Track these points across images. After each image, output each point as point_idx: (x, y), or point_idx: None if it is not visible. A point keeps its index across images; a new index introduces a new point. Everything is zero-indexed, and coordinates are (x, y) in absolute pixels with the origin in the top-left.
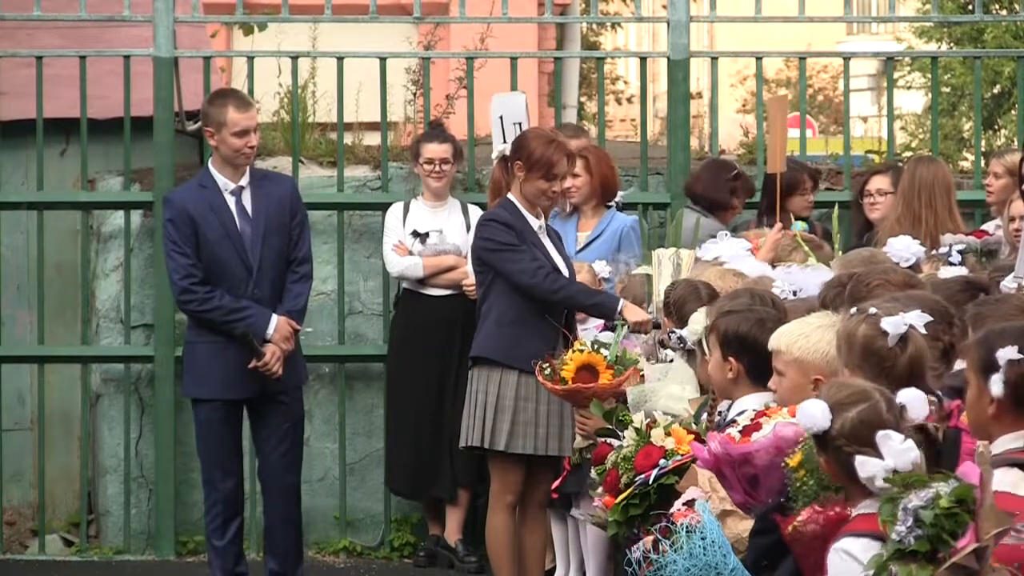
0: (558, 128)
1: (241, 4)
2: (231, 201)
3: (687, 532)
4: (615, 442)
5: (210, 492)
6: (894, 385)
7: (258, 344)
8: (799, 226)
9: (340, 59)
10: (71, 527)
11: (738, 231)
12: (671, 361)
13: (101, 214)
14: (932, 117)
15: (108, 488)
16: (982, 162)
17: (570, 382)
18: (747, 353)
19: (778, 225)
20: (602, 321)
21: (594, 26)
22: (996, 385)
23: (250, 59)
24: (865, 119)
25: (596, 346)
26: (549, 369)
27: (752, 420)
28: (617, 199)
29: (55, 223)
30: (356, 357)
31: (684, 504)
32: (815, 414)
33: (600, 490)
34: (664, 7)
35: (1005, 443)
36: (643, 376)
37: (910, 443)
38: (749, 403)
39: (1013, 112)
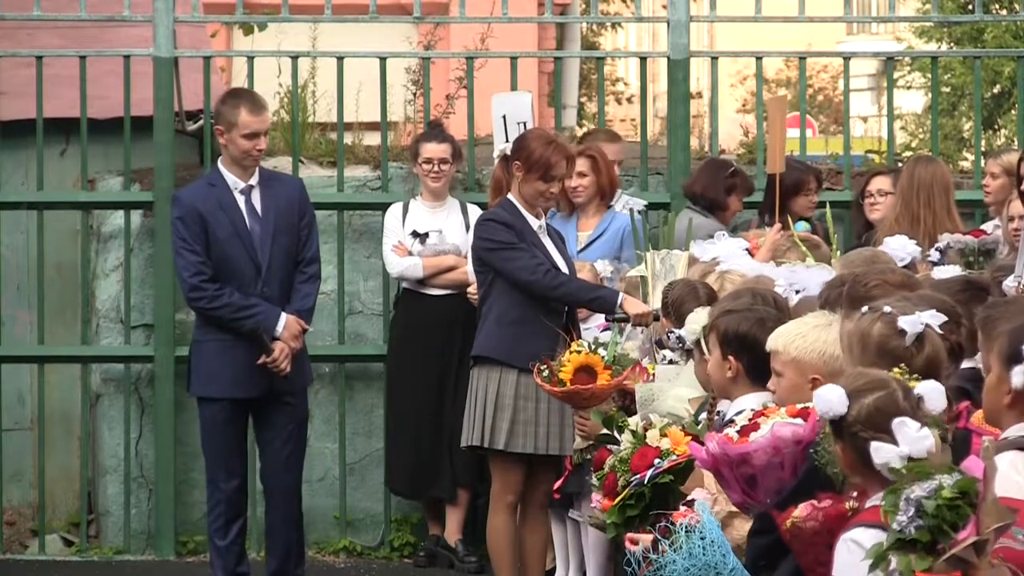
0: (595, 132)
1: (241, 4)
2: (240, 200)
3: (686, 532)
4: (614, 447)
5: (213, 492)
6: None
7: (267, 340)
8: (801, 226)
9: (340, 59)
10: (71, 527)
11: (738, 231)
12: (669, 362)
13: (101, 214)
14: (932, 117)
15: (108, 488)
16: (982, 162)
17: (568, 383)
18: (747, 353)
19: (777, 225)
20: (603, 321)
21: (594, 26)
22: (1017, 376)
23: (250, 59)
24: (865, 119)
25: (594, 346)
26: (547, 371)
27: (750, 420)
28: (635, 206)
29: (55, 223)
30: (356, 357)
31: (684, 504)
32: (832, 399)
33: (598, 485)
34: (664, 7)
35: (1016, 431)
36: (653, 375)
37: (926, 431)
38: (748, 403)
39: (1013, 112)
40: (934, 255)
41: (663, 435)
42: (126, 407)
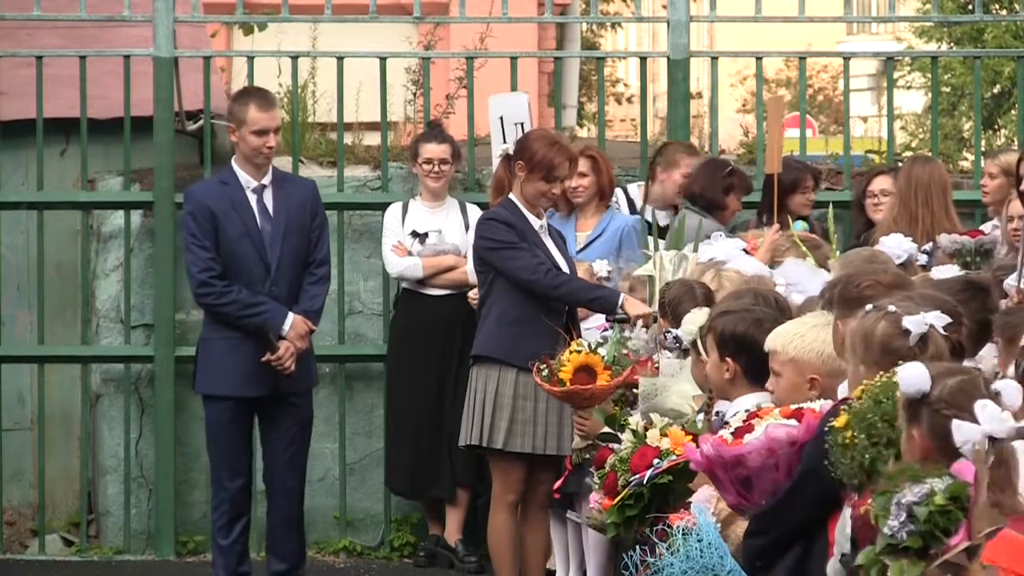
0: (674, 144)
1: (241, 4)
2: (252, 199)
3: (683, 535)
4: (615, 446)
5: (217, 491)
6: None
7: (273, 338)
8: (799, 225)
9: (340, 59)
10: (71, 527)
11: (737, 231)
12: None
13: (101, 214)
14: (932, 117)
15: (108, 488)
16: (982, 162)
17: (568, 383)
18: (744, 353)
19: (775, 226)
20: (604, 321)
21: (594, 26)
22: None
23: (250, 59)
24: (865, 119)
25: (594, 346)
26: (547, 370)
27: (744, 422)
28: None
29: (55, 223)
30: (356, 357)
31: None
32: (917, 374)
33: (599, 484)
34: (664, 7)
35: None
36: (657, 368)
37: (1007, 414)
38: (747, 403)
39: (1013, 112)
40: (922, 258)
41: (663, 435)
42: (126, 407)
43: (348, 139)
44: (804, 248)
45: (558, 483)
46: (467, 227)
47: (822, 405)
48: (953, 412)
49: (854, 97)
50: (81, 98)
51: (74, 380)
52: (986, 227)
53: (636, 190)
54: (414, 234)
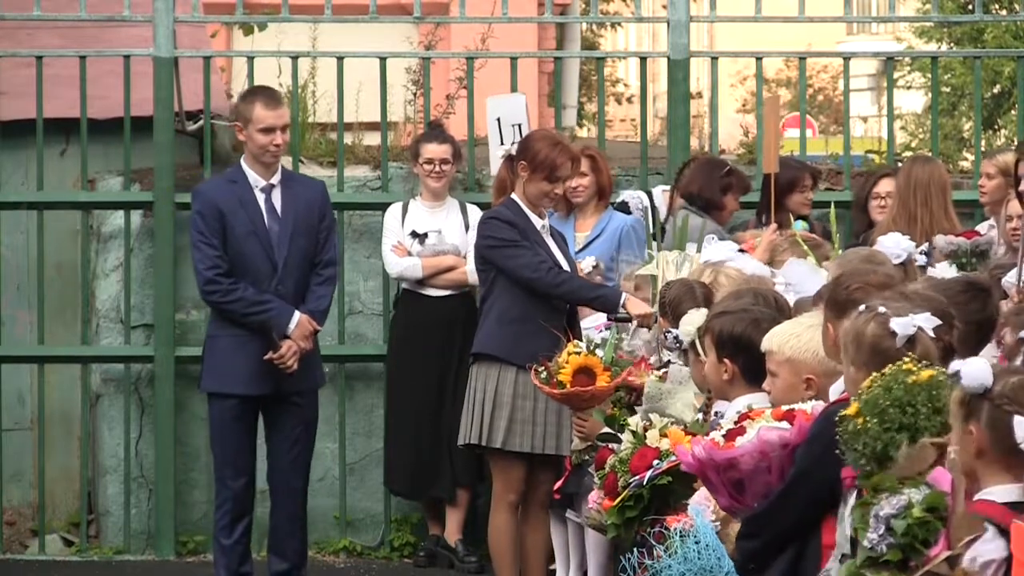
0: (705, 155)
1: (241, 4)
2: (261, 198)
3: (681, 536)
4: (615, 446)
5: (221, 490)
6: None
7: (276, 337)
8: (799, 225)
9: (340, 59)
10: (71, 527)
11: (736, 231)
12: (669, 362)
13: (101, 214)
14: (932, 117)
15: (108, 488)
16: (982, 162)
17: (568, 385)
18: (742, 354)
19: (773, 226)
20: (602, 321)
21: (594, 26)
22: None
23: (250, 59)
24: (865, 119)
25: (592, 346)
26: (545, 372)
27: (736, 423)
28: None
29: (55, 223)
30: (356, 357)
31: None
32: (982, 368)
33: (600, 492)
34: (664, 7)
35: None
36: (665, 373)
37: None
38: (745, 404)
39: (1013, 112)
40: (920, 258)
41: (663, 435)
42: (126, 407)
43: (348, 139)
44: (806, 247)
45: (558, 483)
46: (467, 227)
47: (813, 407)
48: (1015, 408)
49: (854, 97)
50: (81, 98)
51: (74, 380)
52: (982, 227)
53: (660, 194)
54: (414, 234)
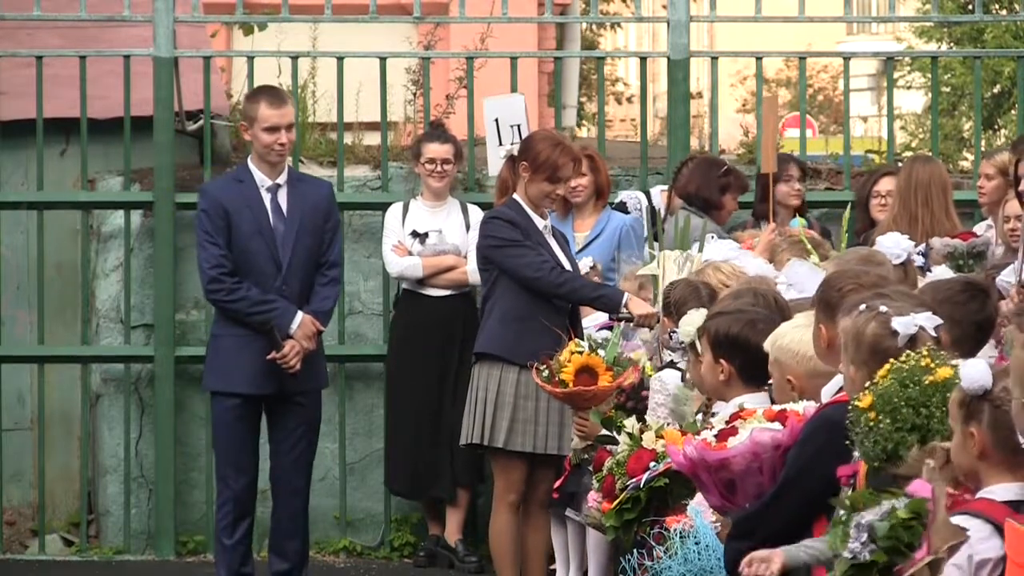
0: (703, 154)
1: (241, 4)
2: (267, 198)
3: (681, 537)
4: (614, 448)
5: (222, 490)
6: None
7: (279, 336)
8: (796, 222)
9: (340, 59)
10: (71, 527)
11: (734, 231)
12: (671, 362)
13: (101, 214)
14: (932, 117)
15: (108, 488)
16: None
17: (571, 385)
18: (738, 354)
19: (771, 225)
20: (600, 321)
21: (594, 26)
22: None
23: (250, 59)
24: (865, 119)
25: (594, 345)
26: (547, 371)
27: (727, 424)
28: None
29: (55, 223)
30: (356, 357)
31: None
32: (981, 369)
33: (597, 487)
34: (664, 7)
35: None
36: (651, 374)
37: None
38: (737, 404)
39: (1013, 112)
40: (918, 259)
41: (659, 437)
42: (126, 407)
43: (348, 139)
44: (809, 246)
45: (558, 483)
46: (468, 227)
47: (805, 408)
48: None
49: (854, 97)
50: (81, 98)
51: (74, 380)
52: (980, 227)
53: (658, 194)
54: (414, 234)
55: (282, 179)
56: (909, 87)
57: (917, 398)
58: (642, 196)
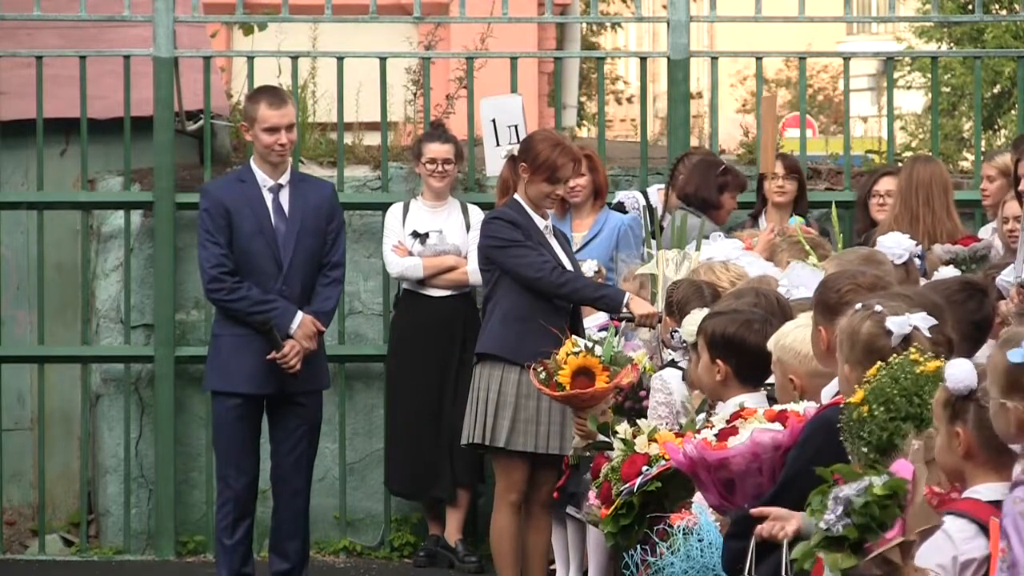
0: (697, 149)
1: (241, 4)
2: (268, 198)
3: (684, 534)
4: (611, 454)
5: (223, 490)
6: None
7: (279, 336)
8: (794, 220)
9: (340, 59)
10: (71, 527)
11: (734, 231)
12: (672, 361)
13: (101, 214)
14: (932, 117)
15: (108, 488)
16: (982, 162)
17: (568, 387)
18: (735, 354)
19: (771, 225)
20: (600, 322)
21: (594, 26)
22: None
23: (250, 59)
24: (865, 119)
25: (591, 345)
26: (544, 373)
27: (727, 423)
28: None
29: (55, 223)
30: (356, 357)
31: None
32: (965, 370)
33: (596, 497)
34: (664, 7)
35: None
36: (651, 372)
37: None
38: (737, 403)
39: (1013, 112)
40: (916, 263)
41: (652, 440)
42: (126, 407)
43: (348, 139)
44: (808, 247)
45: (558, 483)
46: (468, 227)
47: (806, 408)
48: None
49: (854, 97)
50: (81, 98)
51: (74, 380)
52: (985, 230)
53: (655, 193)
54: (415, 234)
55: (284, 179)
56: (909, 87)
57: (910, 388)
58: (640, 196)
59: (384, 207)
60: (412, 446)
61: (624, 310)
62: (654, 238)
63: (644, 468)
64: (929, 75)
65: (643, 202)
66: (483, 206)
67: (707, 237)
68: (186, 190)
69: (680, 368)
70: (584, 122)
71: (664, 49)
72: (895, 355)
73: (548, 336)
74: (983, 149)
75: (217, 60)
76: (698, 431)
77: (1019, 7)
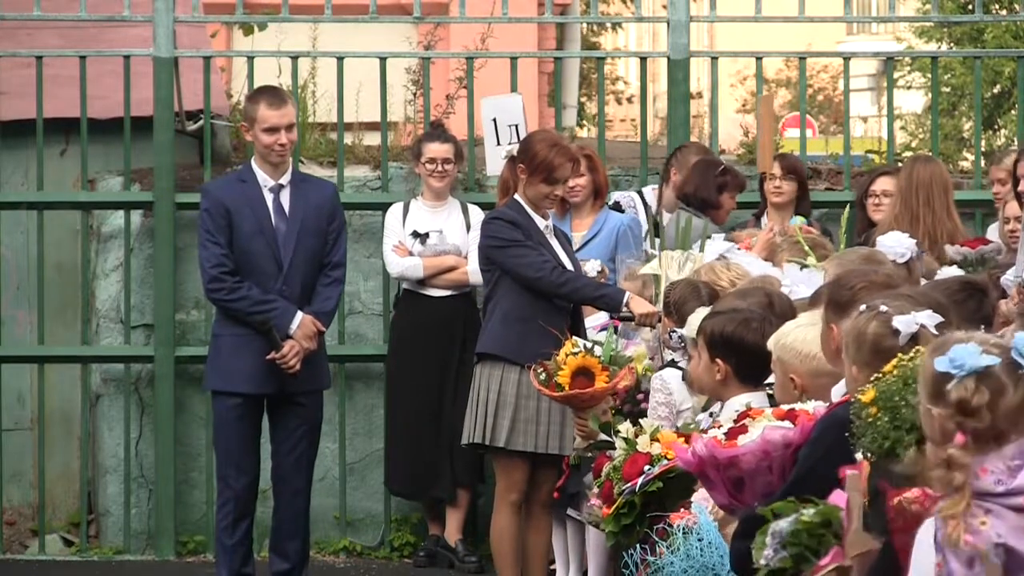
0: (688, 145)
1: (241, 4)
2: (269, 198)
3: (684, 534)
4: (612, 453)
5: (223, 489)
6: None
7: (278, 336)
8: (795, 220)
9: (340, 59)
10: (71, 527)
11: (734, 231)
12: (672, 361)
13: (101, 214)
14: (932, 117)
15: (108, 488)
16: (982, 162)
17: (567, 388)
18: (734, 354)
19: (770, 224)
20: (600, 322)
21: (594, 26)
22: None
23: (250, 59)
24: (865, 119)
25: (590, 345)
26: (544, 374)
27: (736, 422)
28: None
29: (55, 223)
30: (356, 357)
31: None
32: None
33: (598, 496)
34: (664, 7)
35: None
36: (648, 373)
37: None
38: (740, 404)
39: (1013, 112)
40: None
41: (653, 440)
42: (126, 407)
43: (348, 139)
44: (807, 247)
45: (559, 484)
46: (468, 227)
47: (816, 407)
48: None
49: (854, 97)
50: (81, 98)
51: (74, 380)
52: (993, 230)
53: (651, 193)
54: (415, 234)
55: (285, 179)
56: (909, 87)
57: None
58: (636, 196)
59: (384, 207)
60: (412, 446)
61: (624, 309)
62: (657, 236)
63: (646, 467)
64: (929, 75)
65: (638, 202)
66: (483, 206)
67: (710, 237)
68: (186, 190)
69: (680, 368)
70: (584, 122)
71: (664, 49)
72: (914, 351)
73: (549, 336)
74: (983, 149)
75: (217, 60)
76: (705, 431)
77: (1019, 7)
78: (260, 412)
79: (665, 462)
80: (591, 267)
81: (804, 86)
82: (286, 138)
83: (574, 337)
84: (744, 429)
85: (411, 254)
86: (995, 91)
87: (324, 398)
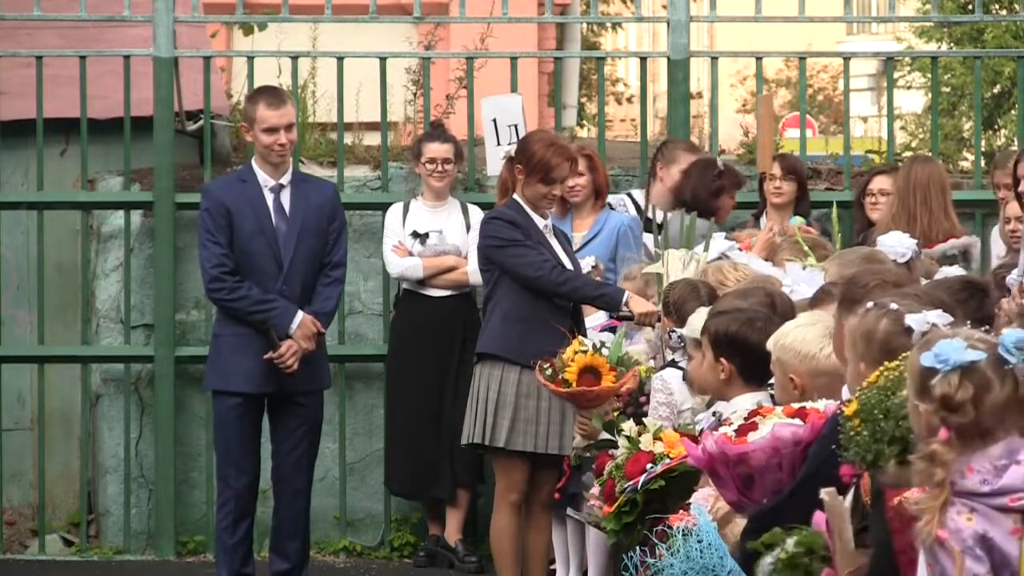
0: (675, 141)
1: (241, 4)
2: (269, 198)
3: (683, 535)
4: (615, 452)
5: (223, 489)
6: None
7: (276, 336)
8: (795, 220)
9: (340, 59)
10: (71, 527)
11: (734, 231)
12: (672, 361)
13: (101, 214)
14: (932, 117)
15: (108, 488)
16: (982, 162)
17: (574, 384)
18: (738, 353)
19: (770, 224)
20: (599, 323)
21: (594, 26)
22: None
23: (250, 59)
24: (865, 119)
25: (599, 344)
26: (550, 370)
27: (746, 420)
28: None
29: (55, 223)
30: (356, 357)
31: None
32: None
33: (598, 493)
34: (664, 7)
35: None
36: (649, 376)
37: None
38: (743, 403)
39: (1013, 112)
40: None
41: (656, 439)
42: (126, 407)
43: (348, 139)
44: (806, 248)
45: (559, 484)
46: (468, 227)
47: (826, 405)
48: None
49: (854, 97)
50: (81, 98)
51: (74, 380)
52: (995, 232)
53: (640, 194)
54: (415, 234)
55: (286, 179)
56: (909, 87)
57: (897, 409)
58: (626, 198)
59: (384, 207)
60: (412, 446)
61: (624, 308)
62: (649, 232)
63: (648, 466)
64: (929, 75)
65: (631, 204)
66: (483, 206)
67: (713, 237)
68: (186, 190)
69: (680, 368)
70: (584, 122)
71: (664, 49)
72: (902, 356)
73: (548, 336)
74: (983, 149)
75: (217, 60)
76: (703, 431)
77: (1019, 7)
78: (260, 412)
79: (667, 461)
80: (585, 263)
81: (804, 86)
82: (285, 138)
83: (580, 337)
84: (754, 426)
85: (411, 254)
86: (995, 91)
87: (324, 398)
